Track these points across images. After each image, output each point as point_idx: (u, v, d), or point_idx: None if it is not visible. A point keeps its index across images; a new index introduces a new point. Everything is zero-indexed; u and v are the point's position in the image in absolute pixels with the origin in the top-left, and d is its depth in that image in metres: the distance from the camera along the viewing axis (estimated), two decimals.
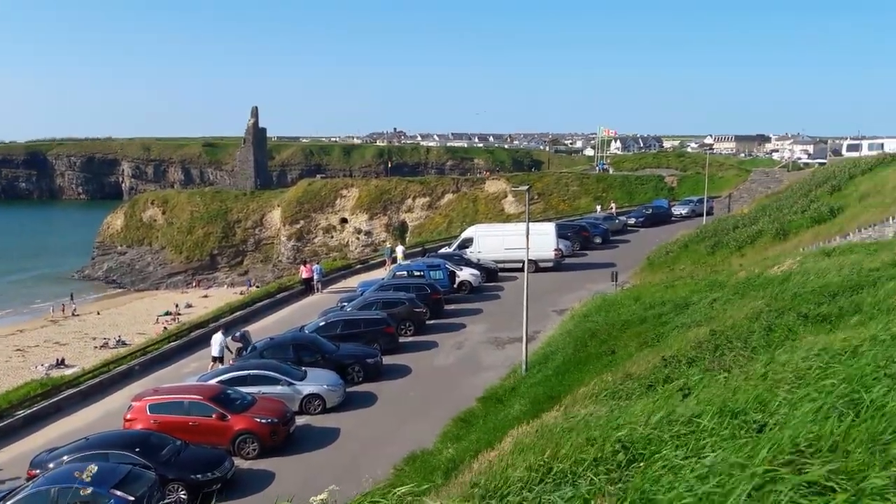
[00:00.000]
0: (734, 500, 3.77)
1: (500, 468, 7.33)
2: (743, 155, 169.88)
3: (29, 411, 23.17)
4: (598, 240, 50.97)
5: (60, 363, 51.12)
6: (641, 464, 5.67)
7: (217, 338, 27.24)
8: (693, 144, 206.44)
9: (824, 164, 62.73)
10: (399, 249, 47.76)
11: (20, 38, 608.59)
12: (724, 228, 40.57)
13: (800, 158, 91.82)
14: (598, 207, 66.62)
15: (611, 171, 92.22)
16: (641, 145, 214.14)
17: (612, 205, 67.39)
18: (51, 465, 17.15)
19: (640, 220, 60.16)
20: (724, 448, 5.15)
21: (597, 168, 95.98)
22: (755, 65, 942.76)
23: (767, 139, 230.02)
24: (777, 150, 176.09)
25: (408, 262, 41.89)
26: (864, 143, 66.15)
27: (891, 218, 27.57)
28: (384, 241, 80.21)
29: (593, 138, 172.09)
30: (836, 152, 68.91)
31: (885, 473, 3.65)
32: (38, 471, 17.29)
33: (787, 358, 8.07)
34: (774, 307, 14.92)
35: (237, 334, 27.81)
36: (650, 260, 39.56)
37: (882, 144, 61.04)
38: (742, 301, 17.55)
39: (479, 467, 9.54)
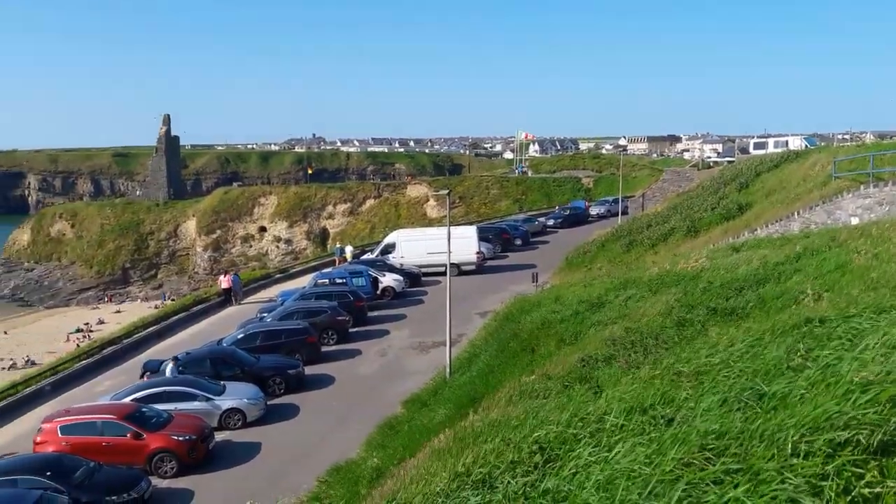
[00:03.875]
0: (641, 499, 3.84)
1: (419, 476, 7.29)
2: (655, 155, 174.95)
3: None
4: (518, 241, 51.61)
5: None
6: (557, 464, 5.72)
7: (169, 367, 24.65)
8: (608, 146, 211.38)
9: (732, 162, 65.13)
10: (348, 249, 47.86)
11: None
12: (638, 227, 41.58)
13: (709, 157, 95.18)
14: (557, 207, 68.18)
15: (530, 174, 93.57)
16: (559, 147, 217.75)
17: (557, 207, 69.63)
18: None
19: (559, 221, 61.22)
20: (634, 445, 5.24)
21: (516, 171, 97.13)
22: (665, 67, 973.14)
23: (678, 139, 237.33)
24: (687, 150, 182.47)
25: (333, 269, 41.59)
26: (770, 141, 68.90)
27: (795, 213, 28.73)
28: (304, 249, 79.40)
29: (512, 141, 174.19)
30: (744, 150, 71.58)
31: (777, 465, 3.77)
32: None
33: (694, 352, 8.31)
34: (685, 302, 15.36)
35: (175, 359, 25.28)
36: (568, 260, 40.26)
37: (787, 142, 63.70)
38: (655, 297, 18.01)
39: (402, 476, 9.47)
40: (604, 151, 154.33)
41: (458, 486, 6.07)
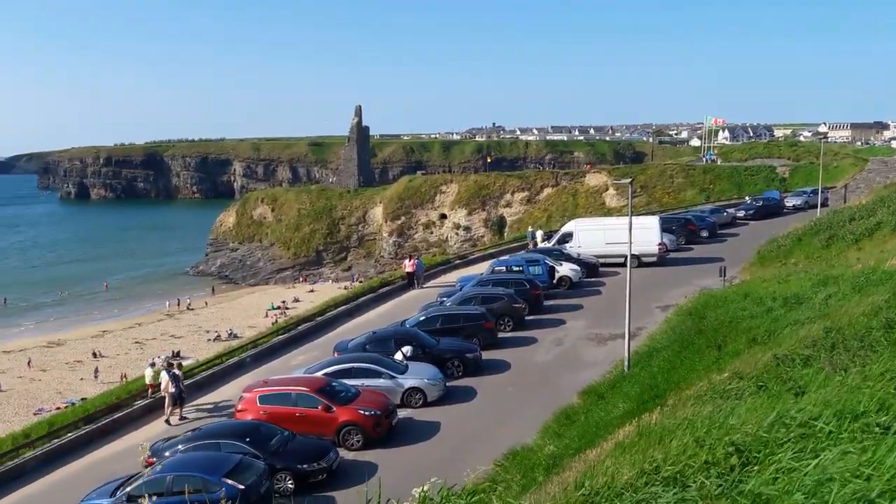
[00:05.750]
0: None
1: (603, 469, 7.18)
2: (859, 143, 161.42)
3: (146, 402, 24.35)
4: (704, 233, 49.37)
5: (176, 355, 53.66)
6: (756, 467, 5.42)
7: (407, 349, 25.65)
8: (806, 133, 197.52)
9: None
10: (539, 233, 48.52)
11: (137, 45, 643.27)
12: (839, 220, 38.49)
13: None
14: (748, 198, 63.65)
15: (718, 162, 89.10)
16: (751, 134, 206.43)
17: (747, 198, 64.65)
18: (167, 454, 18.00)
19: (750, 212, 57.87)
20: (845, 452, 4.87)
21: (703, 159, 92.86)
22: (872, 45, 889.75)
23: (885, 126, 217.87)
24: None
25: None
26: None
27: None
28: (482, 237, 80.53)
29: (699, 128, 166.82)
30: None
31: None
32: (155, 458, 18.20)
33: None
34: (894, 303, 14.05)
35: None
36: (760, 254, 37.99)
37: None
38: (859, 297, 16.62)
39: (582, 467, 9.38)
40: (801, 139, 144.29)
41: (647, 482, 5.92)
